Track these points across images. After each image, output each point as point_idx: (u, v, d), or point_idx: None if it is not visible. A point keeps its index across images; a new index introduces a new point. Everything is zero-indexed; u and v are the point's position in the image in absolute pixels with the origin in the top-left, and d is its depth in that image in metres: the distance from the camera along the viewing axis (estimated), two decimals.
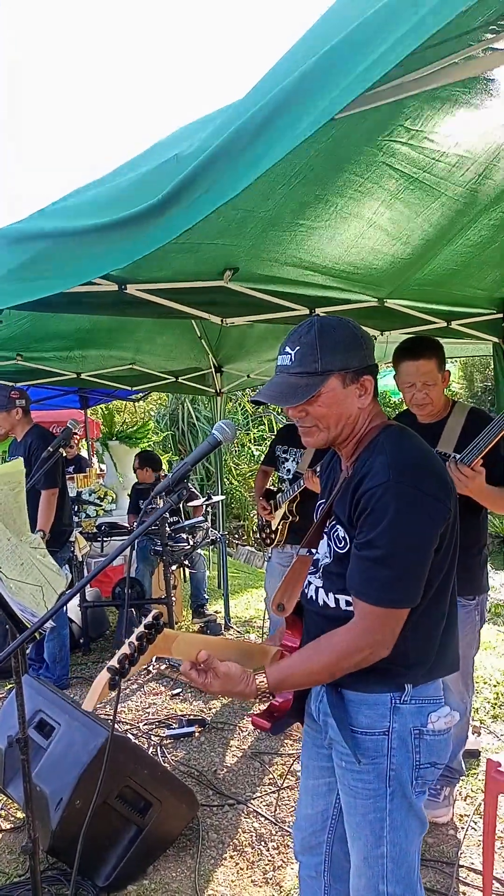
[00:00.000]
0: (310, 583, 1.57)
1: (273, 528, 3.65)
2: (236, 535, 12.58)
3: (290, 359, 1.42)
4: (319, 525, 1.59)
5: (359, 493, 1.37)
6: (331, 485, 1.60)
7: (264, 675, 1.40)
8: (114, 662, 1.27)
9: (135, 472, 5.64)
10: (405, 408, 2.68)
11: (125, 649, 1.28)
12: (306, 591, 1.58)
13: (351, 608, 1.41)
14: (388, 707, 1.41)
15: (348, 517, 1.41)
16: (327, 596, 1.49)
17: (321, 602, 1.51)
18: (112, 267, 1.59)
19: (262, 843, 2.59)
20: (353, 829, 1.48)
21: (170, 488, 1.49)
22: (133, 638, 1.29)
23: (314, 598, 1.53)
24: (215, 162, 1.30)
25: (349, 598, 1.42)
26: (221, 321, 3.47)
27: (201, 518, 5.19)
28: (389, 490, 1.32)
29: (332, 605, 1.48)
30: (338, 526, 1.46)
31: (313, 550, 1.61)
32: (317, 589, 1.53)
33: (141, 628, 1.30)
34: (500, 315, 3.66)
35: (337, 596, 1.47)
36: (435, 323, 3.70)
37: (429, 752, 1.42)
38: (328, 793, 1.61)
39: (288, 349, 1.44)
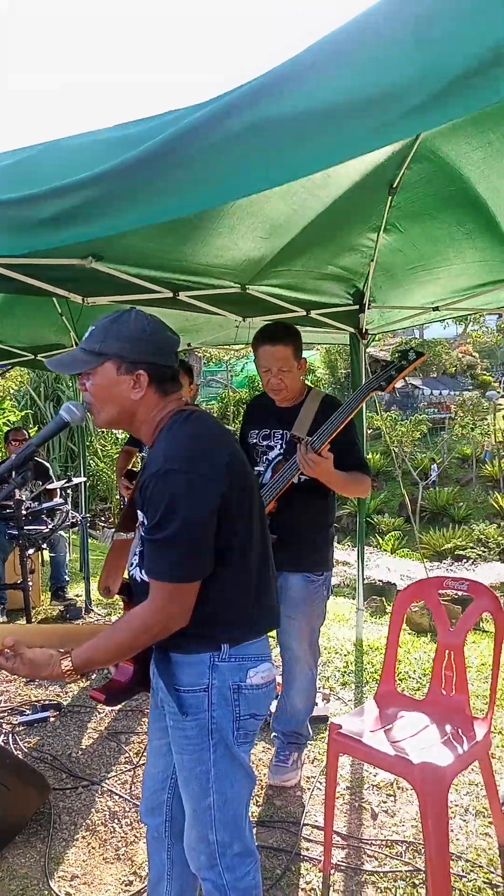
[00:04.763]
0: (131, 563, 1.65)
1: None
2: (102, 518, 12.30)
3: (87, 335, 1.52)
4: (130, 507, 1.64)
5: (143, 481, 1.46)
6: None
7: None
8: None
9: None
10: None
11: None
12: (129, 570, 1.66)
13: None
14: (207, 665, 1.50)
15: (140, 503, 1.48)
16: (141, 572, 1.57)
17: (139, 579, 1.59)
18: None
19: (116, 820, 2.61)
20: (183, 785, 1.57)
21: (15, 467, 1.45)
22: None
23: (135, 576, 1.61)
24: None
25: None
26: (83, 300, 3.38)
27: (60, 500, 5.05)
28: (163, 477, 1.40)
29: (147, 580, 1.54)
30: (139, 510, 1.52)
31: (126, 533, 1.67)
32: (134, 567, 1.61)
33: None
34: (357, 307, 3.87)
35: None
36: (295, 311, 3.83)
37: (247, 705, 1.53)
38: (168, 753, 1.67)
39: (91, 326, 1.53)
